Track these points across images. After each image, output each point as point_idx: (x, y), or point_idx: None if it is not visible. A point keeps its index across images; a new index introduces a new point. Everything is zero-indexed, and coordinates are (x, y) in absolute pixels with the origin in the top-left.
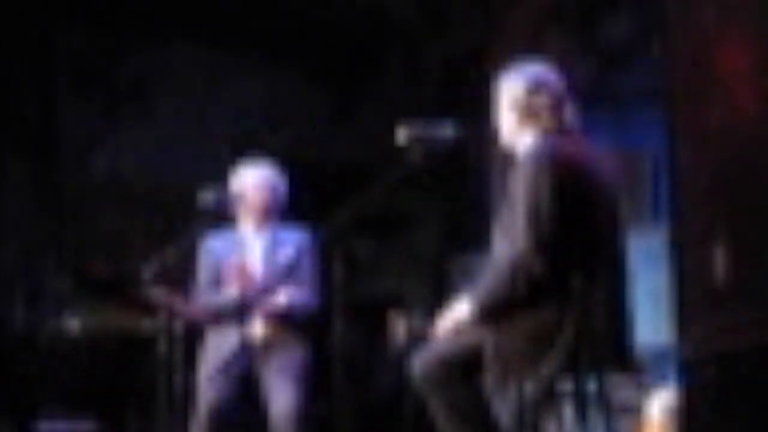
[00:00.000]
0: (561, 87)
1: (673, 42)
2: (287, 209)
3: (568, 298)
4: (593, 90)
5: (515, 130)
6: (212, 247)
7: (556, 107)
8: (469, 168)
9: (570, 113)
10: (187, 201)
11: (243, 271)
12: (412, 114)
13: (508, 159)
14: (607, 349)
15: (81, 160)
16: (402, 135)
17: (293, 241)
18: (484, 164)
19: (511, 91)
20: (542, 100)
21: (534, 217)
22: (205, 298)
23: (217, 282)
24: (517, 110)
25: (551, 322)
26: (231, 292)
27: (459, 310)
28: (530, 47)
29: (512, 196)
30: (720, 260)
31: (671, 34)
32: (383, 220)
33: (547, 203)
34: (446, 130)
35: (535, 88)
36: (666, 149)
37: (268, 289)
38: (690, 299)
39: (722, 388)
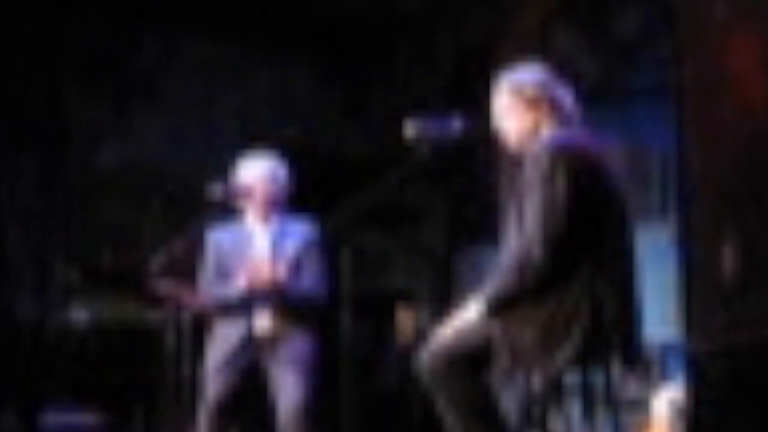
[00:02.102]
0: (550, 81)
1: (683, 38)
2: (296, 202)
3: (579, 290)
4: (601, 86)
5: (528, 129)
6: (219, 239)
7: (564, 105)
8: (477, 162)
9: (575, 111)
10: (195, 193)
11: (259, 268)
12: (421, 108)
13: (515, 156)
14: (615, 343)
15: (89, 153)
16: (410, 130)
17: (300, 233)
18: (492, 158)
19: (521, 90)
20: (552, 98)
21: (548, 210)
22: (213, 290)
23: (224, 274)
24: (530, 109)
25: (562, 315)
26: (240, 284)
27: (470, 311)
28: (539, 43)
29: (523, 189)
30: (728, 256)
31: (681, 30)
32: (391, 213)
33: (562, 197)
34: (454, 125)
35: (544, 86)
36: (675, 145)
37: (278, 283)
38: (698, 294)
39: (730, 382)
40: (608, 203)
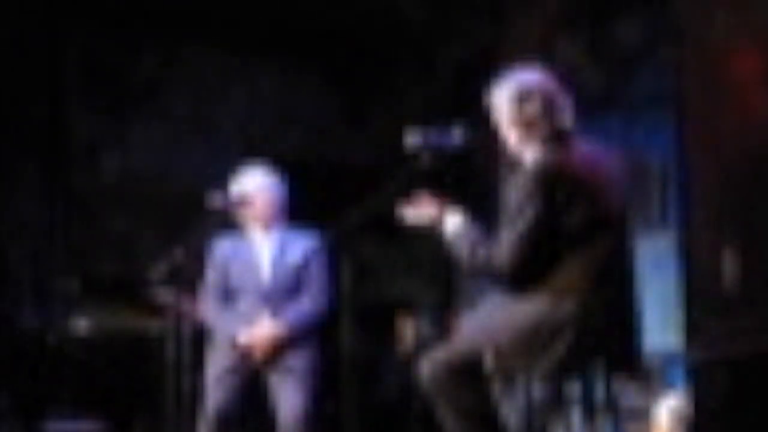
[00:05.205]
0: (551, 88)
1: (685, 48)
2: (297, 212)
3: (569, 301)
4: (603, 95)
5: (518, 143)
6: (221, 250)
7: (548, 111)
8: (477, 172)
9: (567, 113)
10: (197, 202)
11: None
12: (423, 117)
13: (513, 165)
14: (616, 353)
15: (91, 161)
16: (410, 141)
17: (302, 243)
18: (492, 168)
19: (500, 106)
20: (531, 108)
21: (521, 230)
22: (214, 312)
23: (226, 286)
24: (512, 124)
25: (548, 324)
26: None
27: (451, 216)
28: (540, 52)
29: (506, 203)
30: (729, 265)
31: (683, 40)
32: (392, 223)
33: (530, 225)
34: (454, 136)
35: (520, 97)
36: (675, 154)
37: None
38: (699, 303)
39: (730, 392)
40: (603, 216)
